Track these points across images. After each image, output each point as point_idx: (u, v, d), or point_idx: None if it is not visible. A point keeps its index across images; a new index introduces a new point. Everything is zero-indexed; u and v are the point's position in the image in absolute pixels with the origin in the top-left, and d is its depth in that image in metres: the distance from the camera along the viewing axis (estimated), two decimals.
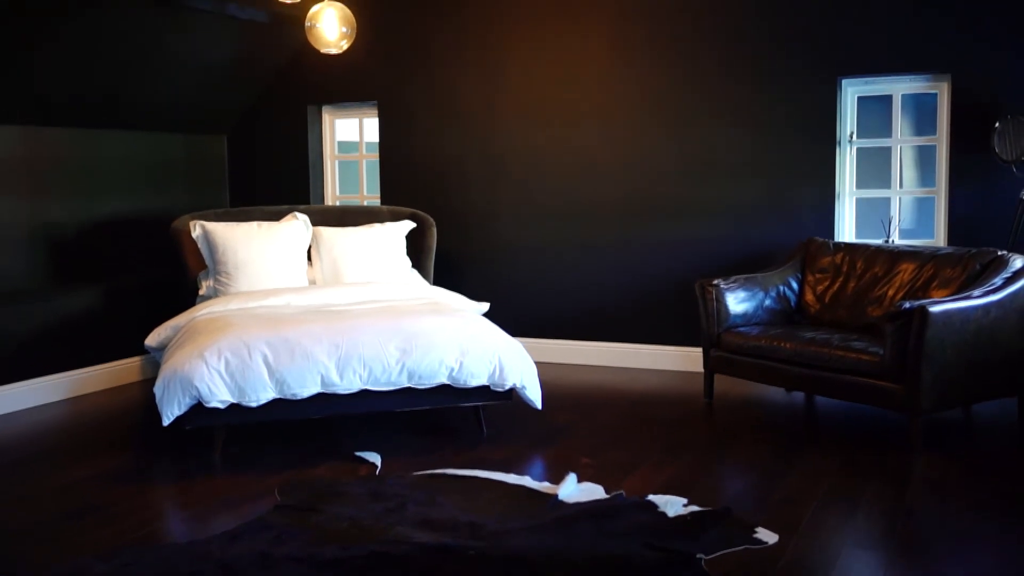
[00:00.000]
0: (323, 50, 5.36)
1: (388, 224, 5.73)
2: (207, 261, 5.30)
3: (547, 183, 6.39)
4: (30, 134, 5.80)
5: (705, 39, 5.89)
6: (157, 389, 4.20)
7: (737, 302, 5.17)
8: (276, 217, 5.68)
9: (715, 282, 5.15)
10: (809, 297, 5.35)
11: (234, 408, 4.24)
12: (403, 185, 6.80)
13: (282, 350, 4.24)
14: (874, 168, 6.21)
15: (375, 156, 6.99)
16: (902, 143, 5.80)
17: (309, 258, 5.51)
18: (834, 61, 5.58)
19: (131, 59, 5.93)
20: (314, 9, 5.26)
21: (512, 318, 6.14)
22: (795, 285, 5.40)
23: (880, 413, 4.88)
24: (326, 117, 7.21)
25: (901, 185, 5.97)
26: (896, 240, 5.69)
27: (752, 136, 5.81)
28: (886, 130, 5.80)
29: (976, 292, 4.45)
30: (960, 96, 5.31)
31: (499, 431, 4.73)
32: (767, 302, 5.28)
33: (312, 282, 5.42)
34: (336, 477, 4.06)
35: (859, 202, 5.87)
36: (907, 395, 4.28)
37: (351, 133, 7.44)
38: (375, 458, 4.31)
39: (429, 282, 5.80)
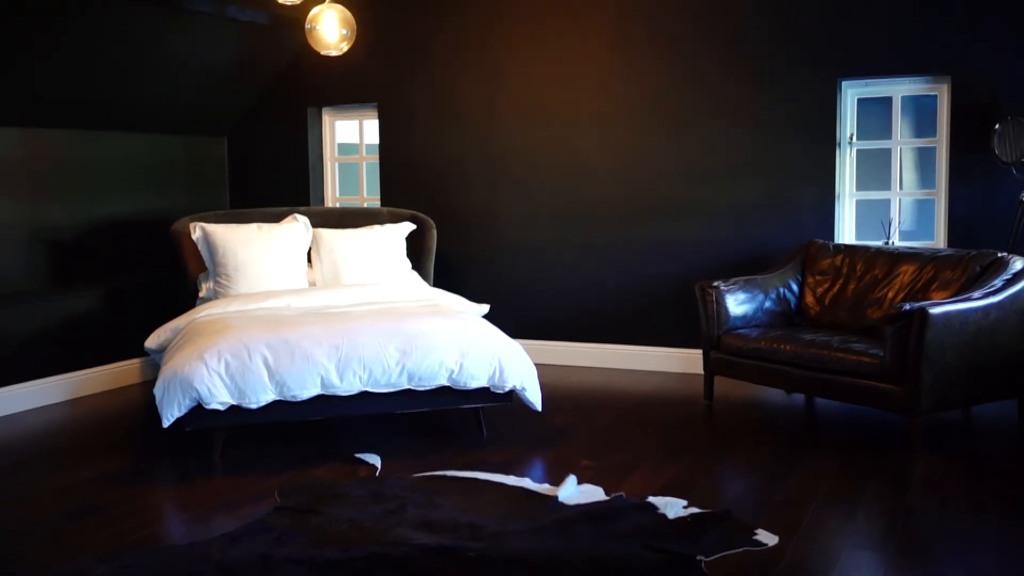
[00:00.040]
0: (323, 52, 5.36)
1: (388, 226, 5.73)
2: (207, 263, 5.30)
3: (547, 184, 6.39)
4: (30, 135, 5.80)
5: (705, 39, 5.89)
6: (157, 391, 4.20)
7: (737, 304, 5.18)
8: (276, 219, 5.68)
9: (715, 284, 5.15)
10: (809, 299, 5.36)
11: (234, 410, 4.23)
12: (403, 187, 6.80)
13: (282, 352, 4.24)
14: (874, 170, 6.21)
15: (375, 158, 6.99)
16: (902, 145, 5.80)
17: (309, 260, 5.51)
18: (834, 62, 5.59)
19: (131, 60, 5.93)
20: (314, 11, 5.26)
21: (512, 320, 6.14)
22: (795, 287, 5.40)
23: (880, 415, 4.88)
24: (326, 119, 7.21)
25: (901, 187, 5.97)
26: (896, 242, 5.69)
27: (752, 137, 5.81)
28: (886, 132, 5.81)
29: (976, 294, 4.46)
30: (960, 98, 5.31)
31: (499, 433, 4.73)
32: (767, 304, 5.28)
33: (312, 284, 5.42)
34: (336, 479, 4.06)
35: (859, 204, 5.87)
36: (907, 397, 4.28)
37: (351, 135, 7.44)
38: (375, 460, 4.31)
39: (429, 284, 5.80)
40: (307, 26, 5.28)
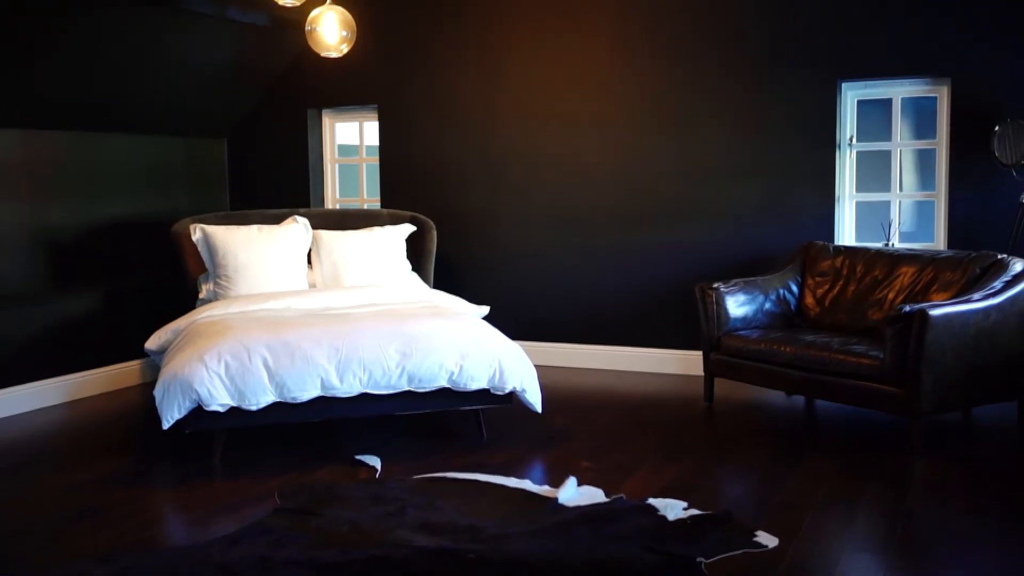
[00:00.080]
0: (323, 54, 5.37)
1: (388, 227, 5.73)
2: (207, 264, 5.30)
3: (547, 185, 6.39)
4: (30, 137, 5.80)
5: (705, 40, 5.90)
6: (157, 392, 4.20)
7: (737, 306, 5.18)
8: (276, 220, 5.68)
9: (715, 285, 5.15)
10: (809, 300, 5.36)
11: (234, 411, 4.23)
12: (403, 188, 6.81)
13: (282, 353, 4.24)
14: (874, 171, 6.21)
15: (375, 160, 6.99)
16: (902, 146, 5.80)
17: (309, 261, 5.51)
18: (834, 64, 5.59)
19: (131, 62, 5.93)
20: (314, 13, 5.27)
21: (512, 321, 6.14)
22: (795, 288, 5.41)
23: (880, 416, 4.88)
24: (326, 120, 7.21)
25: (901, 188, 5.97)
26: (896, 243, 5.69)
27: (752, 138, 5.81)
28: (886, 133, 5.81)
29: (976, 296, 4.45)
30: (960, 99, 5.31)
31: (499, 434, 4.73)
32: (767, 305, 5.29)
33: (312, 285, 5.42)
34: (336, 480, 4.05)
35: (859, 205, 5.87)
36: (907, 398, 4.28)
37: (351, 137, 7.44)
38: (375, 461, 4.30)
39: (429, 285, 5.80)
40: (307, 28, 5.28)
